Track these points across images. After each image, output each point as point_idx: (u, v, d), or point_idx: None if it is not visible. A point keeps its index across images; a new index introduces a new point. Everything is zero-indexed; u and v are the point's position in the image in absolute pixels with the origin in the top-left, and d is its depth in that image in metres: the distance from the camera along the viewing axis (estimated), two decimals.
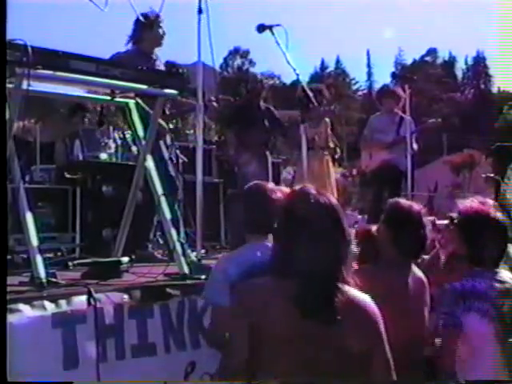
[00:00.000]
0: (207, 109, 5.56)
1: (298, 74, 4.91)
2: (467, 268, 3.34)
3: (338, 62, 65.71)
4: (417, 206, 3.55)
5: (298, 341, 2.30)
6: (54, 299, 3.22)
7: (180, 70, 5.44)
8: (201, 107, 4.87)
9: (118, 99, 4.30)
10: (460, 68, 66.26)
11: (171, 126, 5.97)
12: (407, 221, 3.47)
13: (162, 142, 5.52)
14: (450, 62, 65.53)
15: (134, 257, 4.50)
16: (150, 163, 4.40)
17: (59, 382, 3.05)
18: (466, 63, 66.08)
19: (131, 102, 4.43)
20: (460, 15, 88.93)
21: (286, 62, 4.82)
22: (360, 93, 65.42)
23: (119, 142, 6.23)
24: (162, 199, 4.31)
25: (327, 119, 7.60)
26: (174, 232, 4.29)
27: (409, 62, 64.74)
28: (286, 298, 2.30)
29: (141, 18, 5.45)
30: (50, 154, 6.67)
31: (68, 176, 5.91)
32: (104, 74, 3.88)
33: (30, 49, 3.38)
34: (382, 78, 63.05)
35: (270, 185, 3.44)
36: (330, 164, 7.54)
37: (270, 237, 2.96)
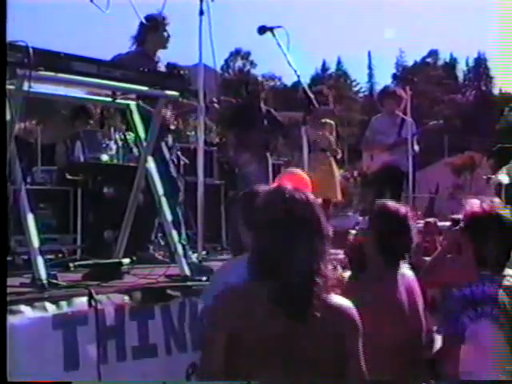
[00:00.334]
0: (208, 110, 5.57)
1: (299, 76, 4.91)
2: (473, 271, 3.32)
3: (339, 63, 65.77)
4: (403, 209, 3.54)
5: (275, 341, 2.29)
6: (54, 300, 3.22)
7: (181, 72, 5.44)
8: (202, 109, 4.87)
9: (119, 101, 4.30)
10: (461, 69, 66.30)
11: (172, 127, 5.97)
12: (393, 223, 3.47)
13: (163, 144, 5.52)
14: (451, 64, 65.51)
15: (135, 258, 4.50)
16: (151, 164, 4.40)
17: (59, 383, 3.04)
18: (467, 65, 66.12)
19: (132, 104, 4.43)
20: (461, 17, 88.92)
21: (287, 63, 4.83)
22: (361, 94, 65.44)
23: (120, 143, 6.23)
24: (163, 201, 4.31)
25: (332, 121, 7.60)
26: (175, 233, 4.29)
27: (410, 63, 64.79)
28: (264, 299, 2.29)
29: (142, 19, 5.44)
30: (51, 156, 6.67)
31: (69, 177, 5.91)
32: (105, 76, 3.88)
33: (31, 50, 3.38)
34: (383, 79, 62.96)
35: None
36: (334, 166, 7.53)
37: None
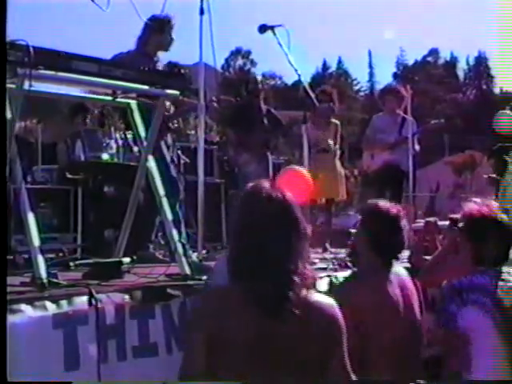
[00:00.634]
0: (208, 109, 5.56)
1: (299, 75, 4.91)
2: (472, 270, 3.34)
3: (339, 62, 65.72)
4: (394, 209, 3.54)
5: (256, 341, 2.28)
6: (55, 300, 3.21)
7: (182, 71, 5.44)
8: (202, 107, 4.87)
9: (119, 99, 4.30)
10: (462, 68, 66.23)
11: (171, 126, 5.97)
12: (384, 223, 3.47)
13: (162, 143, 5.51)
14: (452, 63, 65.46)
15: (135, 257, 4.50)
16: (151, 164, 4.40)
17: (60, 382, 3.04)
18: (468, 64, 66.05)
19: (133, 103, 4.43)
20: (461, 15, 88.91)
21: (288, 62, 4.83)
22: (362, 93, 65.41)
23: (121, 142, 6.23)
24: (164, 200, 4.31)
25: (337, 121, 7.60)
26: (175, 233, 4.29)
27: (410, 62, 64.73)
28: (243, 299, 2.29)
29: (143, 19, 5.43)
30: (51, 155, 6.67)
31: (70, 176, 5.91)
32: (106, 75, 3.87)
33: (31, 49, 3.38)
34: (384, 78, 63.04)
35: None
36: (338, 165, 7.51)
37: None
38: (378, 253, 3.49)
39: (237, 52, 60.65)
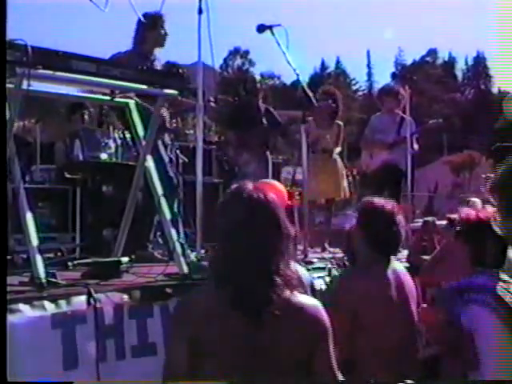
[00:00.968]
0: (206, 109, 5.56)
1: (298, 74, 4.92)
2: (470, 271, 3.36)
3: (338, 62, 65.80)
4: (389, 205, 3.55)
5: (238, 343, 2.28)
6: (53, 299, 3.21)
7: (180, 70, 5.44)
8: (201, 107, 4.87)
9: (118, 99, 4.30)
10: (460, 68, 66.33)
11: (169, 125, 5.96)
12: (379, 219, 3.48)
13: (160, 142, 5.51)
14: (450, 63, 65.53)
15: (133, 257, 4.50)
16: (150, 163, 4.40)
17: (59, 382, 3.04)
18: (466, 63, 66.14)
19: (131, 102, 4.43)
20: (460, 15, 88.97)
21: (286, 62, 4.83)
22: (360, 93, 65.45)
23: (119, 142, 6.23)
24: (162, 199, 4.31)
25: (340, 122, 7.60)
26: (173, 232, 4.29)
27: (409, 62, 64.83)
28: (224, 302, 2.29)
29: (141, 18, 5.44)
30: (50, 154, 6.66)
31: (68, 176, 5.91)
32: (104, 74, 3.87)
33: (30, 49, 3.37)
34: (382, 78, 63.04)
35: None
36: (339, 164, 7.51)
37: None
38: (374, 249, 3.50)
39: (235, 51, 60.68)
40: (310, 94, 4.93)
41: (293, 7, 73.29)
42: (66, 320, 3.21)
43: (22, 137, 6.61)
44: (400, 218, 3.55)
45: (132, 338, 3.47)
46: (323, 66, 65.65)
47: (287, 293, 2.33)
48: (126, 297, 3.51)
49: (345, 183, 7.58)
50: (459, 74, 66.12)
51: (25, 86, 3.43)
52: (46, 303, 3.18)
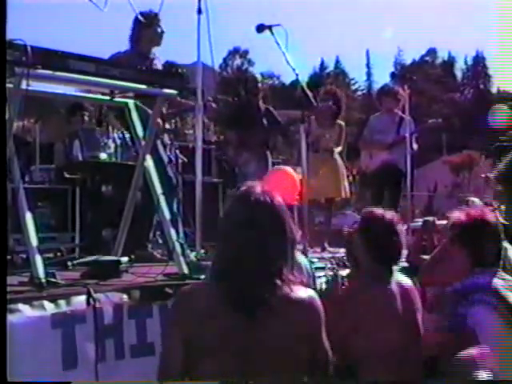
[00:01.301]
0: (205, 109, 5.56)
1: (297, 74, 4.91)
2: (469, 270, 3.36)
3: (337, 62, 65.71)
4: (389, 215, 3.55)
5: (234, 341, 2.30)
6: (53, 299, 3.22)
7: (179, 70, 5.44)
8: (200, 107, 4.87)
9: (117, 99, 4.30)
10: (460, 68, 66.26)
11: (168, 126, 5.96)
12: (379, 230, 3.48)
13: (159, 142, 5.51)
14: (450, 62, 65.48)
15: (133, 257, 4.50)
16: (149, 163, 4.40)
17: (58, 382, 3.04)
18: (466, 63, 66.09)
19: (131, 102, 4.43)
20: (459, 15, 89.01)
21: (286, 62, 4.83)
22: (359, 93, 65.40)
23: (119, 141, 6.23)
24: (162, 199, 4.31)
25: (342, 122, 7.60)
26: (173, 232, 4.29)
27: (408, 61, 64.72)
28: (222, 300, 2.31)
29: (140, 17, 5.43)
30: (49, 154, 6.66)
31: (67, 176, 5.91)
32: (103, 74, 3.87)
33: (29, 48, 3.38)
34: (382, 78, 62.92)
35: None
36: (340, 164, 7.51)
37: None
38: (378, 261, 3.50)
39: (235, 51, 60.64)
40: (310, 94, 4.92)
41: (292, 7, 73.30)
42: (66, 320, 3.21)
43: (21, 137, 6.60)
44: (401, 227, 3.55)
45: (131, 337, 3.47)
46: (322, 66, 65.63)
47: (285, 290, 2.35)
48: (125, 297, 3.51)
49: (345, 183, 7.58)
50: (458, 74, 66.12)
51: (24, 85, 3.43)
52: (46, 303, 3.18)
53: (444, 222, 4.25)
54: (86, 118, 7.07)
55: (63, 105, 7.67)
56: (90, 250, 5.06)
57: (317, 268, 4.71)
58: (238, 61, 60.99)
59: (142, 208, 4.93)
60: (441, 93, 57.74)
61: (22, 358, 2.93)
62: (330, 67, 65.71)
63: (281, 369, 2.32)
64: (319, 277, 4.44)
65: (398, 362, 3.33)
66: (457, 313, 3.22)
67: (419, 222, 6.27)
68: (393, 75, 60.43)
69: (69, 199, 5.62)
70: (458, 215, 3.48)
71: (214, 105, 6.58)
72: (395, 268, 3.60)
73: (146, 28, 5.55)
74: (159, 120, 5.37)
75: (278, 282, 2.33)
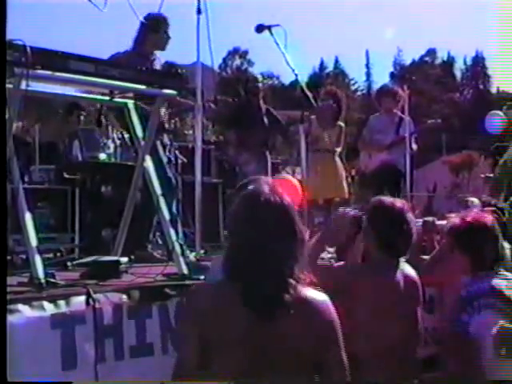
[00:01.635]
0: (205, 109, 5.56)
1: (296, 75, 4.91)
2: (470, 273, 3.37)
3: (336, 62, 65.60)
4: (399, 203, 3.53)
5: (248, 340, 2.30)
6: (52, 300, 3.22)
7: (179, 71, 5.43)
8: (200, 107, 4.87)
9: (116, 99, 4.29)
10: (459, 68, 66.17)
11: (167, 126, 5.96)
12: (389, 218, 3.46)
13: (158, 142, 5.51)
14: (449, 63, 65.42)
15: (133, 257, 4.49)
16: (148, 163, 4.40)
17: (58, 382, 3.04)
18: (465, 63, 66.01)
19: (130, 102, 4.43)
20: (459, 15, 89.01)
21: (285, 62, 4.83)
22: (359, 93, 65.36)
23: (118, 142, 6.23)
24: (161, 199, 4.31)
25: (342, 123, 7.60)
26: (172, 232, 4.29)
27: (408, 62, 64.60)
28: (236, 299, 2.30)
29: (141, 18, 5.42)
30: (49, 155, 6.67)
31: (67, 176, 5.91)
32: (103, 75, 3.87)
33: (28, 49, 3.38)
34: (381, 78, 62.83)
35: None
36: (339, 164, 7.51)
37: None
38: (385, 249, 3.47)
39: (234, 52, 60.58)
40: (309, 94, 4.92)
41: (291, 7, 73.25)
42: (65, 320, 3.21)
43: (20, 137, 6.62)
44: (411, 217, 3.52)
45: (131, 338, 3.47)
46: (322, 66, 65.54)
47: (298, 290, 2.35)
48: (124, 297, 3.52)
49: (345, 183, 7.59)
50: (458, 74, 66.03)
51: (23, 86, 3.43)
52: (45, 303, 3.18)
53: (444, 222, 4.26)
54: (83, 117, 7.08)
55: (62, 105, 7.68)
56: (90, 250, 5.06)
57: None
58: (237, 61, 60.97)
59: (142, 208, 4.93)
60: (440, 93, 57.71)
61: (21, 359, 2.94)
62: (330, 67, 65.69)
63: (296, 369, 2.32)
64: None
65: (397, 353, 3.33)
66: (460, 319, 3.22)
67: (419, 222, 6.27)
68: (392, 75, 60.56)
69: (68, 199, 5.61)
70: (453, 221, 3.49)
71: (212, 105, 6.58)
72: (402, 258, 3.58)
73: (152, 32, 5.53)
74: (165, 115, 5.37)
75: (292, 281, 2.33)
